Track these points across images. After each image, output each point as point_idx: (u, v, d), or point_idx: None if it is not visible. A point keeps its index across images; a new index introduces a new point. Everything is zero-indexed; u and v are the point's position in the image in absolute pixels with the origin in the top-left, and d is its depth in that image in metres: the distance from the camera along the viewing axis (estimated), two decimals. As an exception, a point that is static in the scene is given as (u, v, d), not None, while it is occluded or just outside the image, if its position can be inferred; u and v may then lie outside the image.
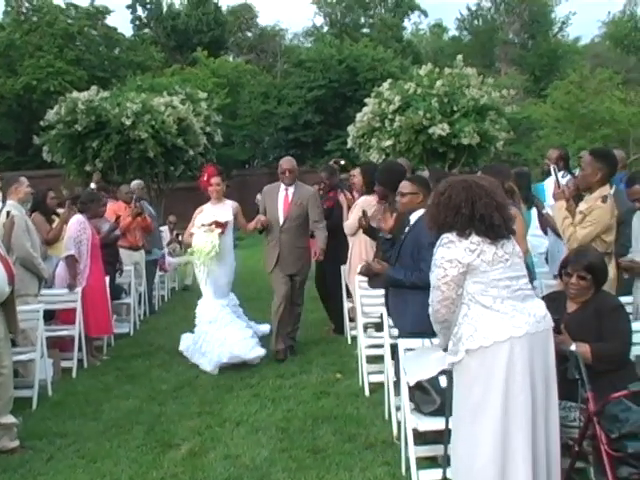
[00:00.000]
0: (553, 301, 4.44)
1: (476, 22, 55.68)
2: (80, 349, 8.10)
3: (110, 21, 33.80)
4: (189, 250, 8.32)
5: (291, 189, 8.33)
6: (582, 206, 5.57)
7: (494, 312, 3.72)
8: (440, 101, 20.73)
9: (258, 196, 9.42)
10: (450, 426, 4.08)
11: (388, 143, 21.09)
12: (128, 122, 21.59)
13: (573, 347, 4.14)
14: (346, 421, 5.98)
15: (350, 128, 22.87)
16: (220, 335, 7.89)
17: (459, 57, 22.84)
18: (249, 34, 50.77)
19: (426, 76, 21.83)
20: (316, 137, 31.11)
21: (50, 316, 7.96)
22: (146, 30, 45.00)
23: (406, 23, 54.17)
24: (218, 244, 7.90)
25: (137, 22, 45.41)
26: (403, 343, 4.80)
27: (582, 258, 4.63)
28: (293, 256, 8.23)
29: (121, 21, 39.11)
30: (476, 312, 3.75)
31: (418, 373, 4.51)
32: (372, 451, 5.31)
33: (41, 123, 22.79)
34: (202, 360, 7.91)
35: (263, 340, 8.37)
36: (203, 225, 8.00)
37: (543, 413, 3.74)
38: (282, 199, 8.30)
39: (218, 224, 7.96)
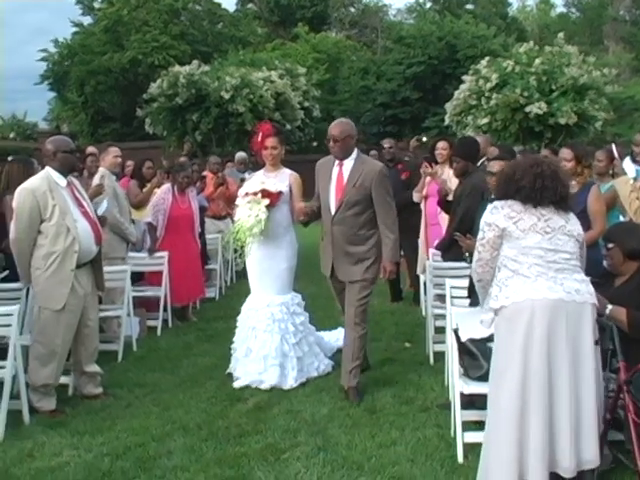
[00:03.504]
0: (601, 278, 4.60)
1: (585, -2, 54.16)
2: (165, 310, 8.60)
3: (215, -4, 34.57)
4: (231, 227, 6.78)
5: (347, 164, 6.12)
6: (644, 181, 5.68)
7: (518, 275, 3.99)
8: (538, 79, 20.44)
9: None
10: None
11: (484, 121, 20.95)
12: (227, 96, 22.18)
13: (610, 307, 4.28)
14: (406, 386, 6.23)
15: (447, 105, 22.78)
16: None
17: (560, 35, 22.44)
18: (352, 10, 50.76)
19: (525, 54, 21.54)
20: (414, 114, 30.89)
21: (138, 278, 8.47)
22: (250, 5, 45.54)
23: (512, -1, 53.07)
24: (265, 219, 6.27)
25: (242, -3, 46.04)
26: (454, 310, 5.01)
27: (611, 230, 4.83)
28: (351, 258, 6.05)
29: (226, -4, 39.67)
30: (504, 274, 4.05)
31: (468, 331, 4.73)
32: (426, 414, 5.55)
33: (144, 96, 23.62)
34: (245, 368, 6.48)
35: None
36: (247, 194, 6.43)
37: (567, 383, 3.87)
38: (335, 178, 6.16)
39: (267, 193, 6.36)
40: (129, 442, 5.16)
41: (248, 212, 6.31)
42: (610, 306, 4.34)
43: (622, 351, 3.83)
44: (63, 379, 6.06)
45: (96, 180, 7.71)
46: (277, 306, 6.49)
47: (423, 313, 8.78)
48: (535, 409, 3.82)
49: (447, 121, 22.81)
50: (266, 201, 6.30)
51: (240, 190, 6.71)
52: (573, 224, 4.10)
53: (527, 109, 20.05)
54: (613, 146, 6.37)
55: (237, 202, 6.60)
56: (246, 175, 11.83)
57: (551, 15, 56.71)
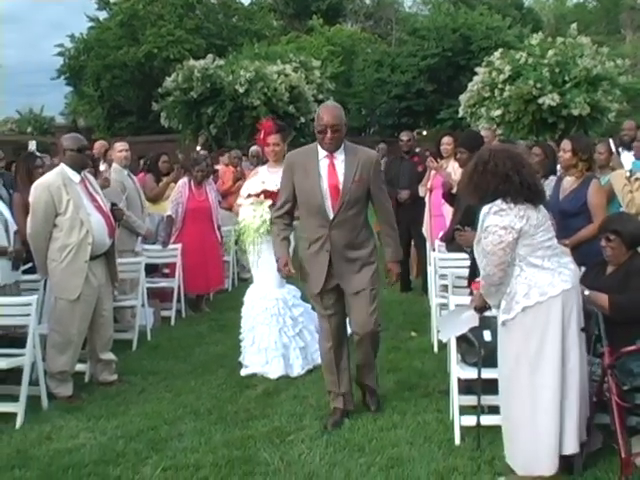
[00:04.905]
0: (594, 267, 4.77)
1: (602, -13, 53.77)
2: (179, 300, 8.86)
3: (230, -11, 34.76)
4: (236, 227, 7.05)
5: (339, 156, 5.18)
6: (639, 174, 5.82)
7: (545, 270, 4.11)
8: (551, 71, 20.48)
9: None
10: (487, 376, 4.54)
11: (497, 113, 21.03)
12: (241, 89, 22.41)
13: (587, 292, 4.44)
14: (410, 373, 6.43)
15: (461, 97, 22.86)
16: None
17: (573, 26, 22.46)
18: (367, 1, 50.69)
19: (538, 45, 21.57)
20: (428, 106, 31.03)
21: (152, 269, 8.72)
22: (265, -3, 45.64)
23: (528, -11, 52.68)
24: (270, 218, 6.10)
25: (257, -10, 46.06)
26: (454, 299, 5.22)
27: (608, 221, 4.94)
28: (353, 265, 5.22)
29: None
30: (529, 272, 4.12)
31: (450, 331, 4.92)
32: (428, 399, 5.75)
33: (159, 90, 23.88)
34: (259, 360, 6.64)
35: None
36: (250, 195, 6.65)
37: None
38: (326, 174, 5.17)
39: (268, 193, 6.46)
40: (142, 425, 5.41)
41: (252, 213, 6.55)
42: (587, 291, 4.50)
43: (607, 336, 4.01)
44: (79, 366, 6.32)
45: (105, 174, 7.98)
46: (272, 300, 6.64)
47: (430, 303, 8.99)
48: (573, 385, 4.04)
49: (461, 113, 22.89)
50: (269, 202, 6.44)
51: (242, 190, 6.95)
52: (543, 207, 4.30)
53: (540, 101, 20.11)
54: (610, 140, 6.51)
55: (240, 202, 6.84)
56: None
57: (567, 5, 56.38)
